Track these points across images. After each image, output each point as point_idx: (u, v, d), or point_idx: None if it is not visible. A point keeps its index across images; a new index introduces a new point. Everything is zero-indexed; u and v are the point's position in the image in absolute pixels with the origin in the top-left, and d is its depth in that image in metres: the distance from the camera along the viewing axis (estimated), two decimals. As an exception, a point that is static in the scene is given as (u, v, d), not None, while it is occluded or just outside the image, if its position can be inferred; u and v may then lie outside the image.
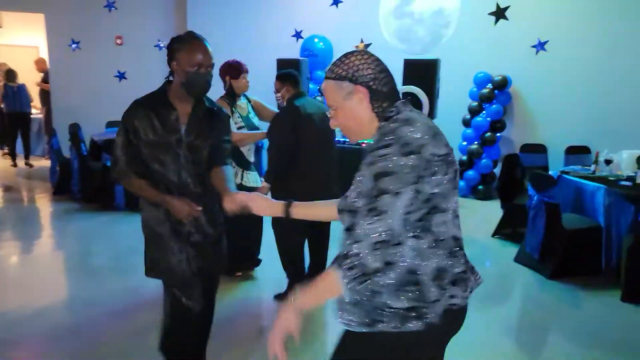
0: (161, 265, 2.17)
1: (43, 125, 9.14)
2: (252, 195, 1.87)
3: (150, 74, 7.12)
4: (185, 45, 2.04)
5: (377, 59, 1.47)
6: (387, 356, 1.43)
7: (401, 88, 5.44)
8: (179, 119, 2.11)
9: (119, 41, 8.37)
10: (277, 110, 3.81)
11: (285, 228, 3.52)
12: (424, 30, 7.11)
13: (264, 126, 3.76)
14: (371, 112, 1.46)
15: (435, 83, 5.53)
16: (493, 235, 5.23)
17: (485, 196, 6.76)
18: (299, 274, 3.61)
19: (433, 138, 1.35)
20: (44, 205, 6.47)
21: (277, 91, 3.59)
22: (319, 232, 3.65)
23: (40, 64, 8.87)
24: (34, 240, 5.16)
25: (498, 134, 6.80)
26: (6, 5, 8.43)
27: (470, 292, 1.51)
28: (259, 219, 3.94)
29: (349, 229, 1.32)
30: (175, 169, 2.10)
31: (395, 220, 1.29)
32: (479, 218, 5.93)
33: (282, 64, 6.26)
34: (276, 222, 3.59)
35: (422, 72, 5.51)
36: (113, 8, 8.27)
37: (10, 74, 8.27)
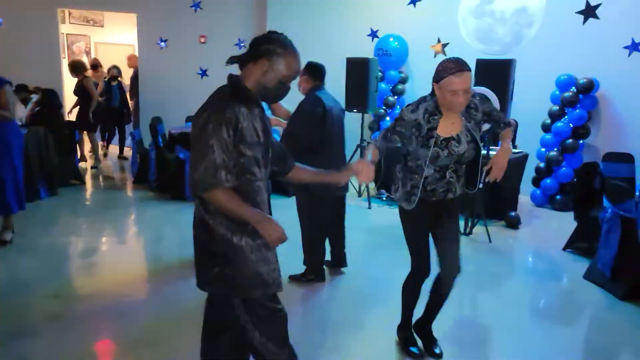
0: (255, 279, 1.96)
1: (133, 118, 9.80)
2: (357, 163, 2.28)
3: (230, 71, 7.39)
4: (287, 52, 1.94)
5: None
6: None
7: (474, 89, 5.21)
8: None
9: (202, 40, 8.76)
10: (291, 110, 3.88)
11: (312, 218, 3.76)
12: (505, 30, 6.79)
13: None
14: None
15: (509, 85, 5.24)
16: (564, 249, 4.87)
17: (563, 207, 6.31)
18: (317, 261, 3.88)
19: None
20: (123, 193, 6.93)
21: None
22: (338, 223, 3.97)
23: (132, 60, 9.50)
24: (111, 225, 5.53)
25: (581, 141, 6.33)
26: (104, 5, 9.13)
27: None
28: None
29: None
30: (264, 176, 2.01)
31: None
32: (553, 230, 5.56)
33: (352, 62, 6.26)
34: (304, 211, 3.79)
35: (496, 73, 5.24)
36: (198, 8, 8.68)
37: (116, 72, 8.75)
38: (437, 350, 2.93)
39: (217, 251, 1.93)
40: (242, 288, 1.95)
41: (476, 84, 5.33)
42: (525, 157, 6.08)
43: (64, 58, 10.35)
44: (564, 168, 6.30)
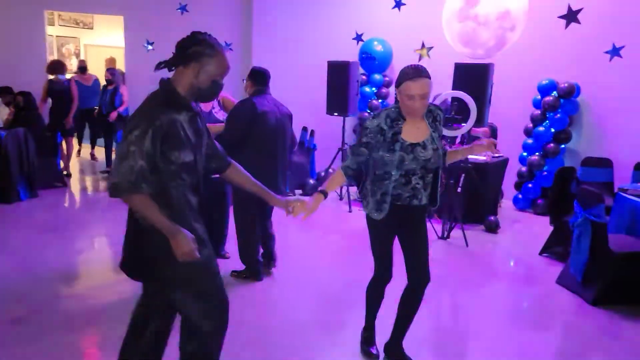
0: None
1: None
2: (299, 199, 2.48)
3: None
4: (216, 52, 1.97)
5: None
6: None
7: (448, 93, 5.22)
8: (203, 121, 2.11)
9: (189, 42, 8.76)
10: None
11: (245, 211, 3.85)
12: (489, 33, 6.81)
13: None
14: None
15: (487, 89, 5.24)
16: (541, 253, 4.87)
17: (544, 211, 6.28)
18: (254, 255, 3.97)
19: None
20: (104, 195, 6.89)
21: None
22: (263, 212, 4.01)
23: (109, 62, 9.40)
24: (85, 226, 5.50)
25: (562, 145, 6.33)
26: (91, 8, 9.12)
27: None
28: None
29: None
30: (196, 180, 2.05)
31: None
32: (532, 234, 5.55)
33: (332, 66, 6.26)
34: (239, 208, 3.89)
35: (474, 77, 5.24)
36: (185, 11, 8.68)
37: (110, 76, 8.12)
38: None
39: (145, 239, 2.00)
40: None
41: (454, 88, 5.34)
42: (505, 162, 6.09)
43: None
44: (546, 172, 6.30)
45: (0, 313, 3.36)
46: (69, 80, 7.48)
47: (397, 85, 2.53)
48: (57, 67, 7.39)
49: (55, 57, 11.01)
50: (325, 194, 2.64)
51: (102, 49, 11.67)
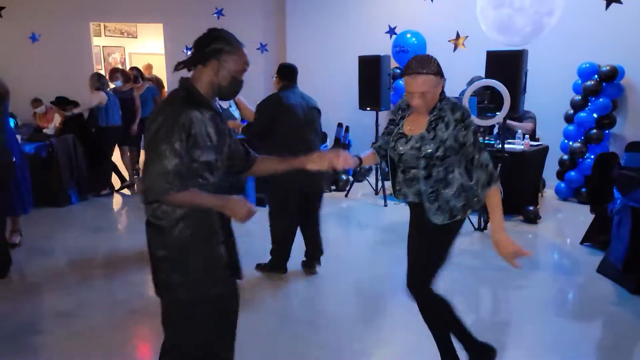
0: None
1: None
2: (333, 150, 2.28)
3: (254, 74, 7.53)
4: (234, 48, 1.95)
5: None
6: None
7: (481, 82, 5.13)
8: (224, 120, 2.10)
9: (225, 46, 8.98)
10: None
11: (280, 209, 3.95)
12: (525, 19, 6.63)
13: None
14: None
15: (521, 77, 5.11)
16: (582, 243, 4.72)
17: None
18: (283, 252, 4.05)
19: None
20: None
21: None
22: (310, 217, 4.04)
23: (146, 69, 9.71)
24: (129, 230, 5.75)
25: (606, 131, 6.09)
26: (133, 17, 9.50)
27: None
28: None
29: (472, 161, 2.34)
30: (219, 179, 2.03)
31: None
32: (575, 224, 5.37)
33: (363, 61, 6.28)
34: (272, 203, 3.99)
35: (507, 65, 5.13)
36: (221, 15, 8.90)
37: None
38: None
39: (164, 256, 1.98)
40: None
41: (487, 77, 5.25)
42: (545, 150, 5.92)
43: (101, 69, 10.86)
44: (589, 159, 6.08)
45: (51, 306, 3.61)
46: (132, 89, 7.36)
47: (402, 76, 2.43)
48: (126, 75, 7.31)
49: (102, 67, 11.57)
50: (360, 160, 2.49)
51: (145, 57, 12.12)
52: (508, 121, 5.47)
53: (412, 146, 2.36)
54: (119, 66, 11.90)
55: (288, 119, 3.80)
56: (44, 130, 6.77)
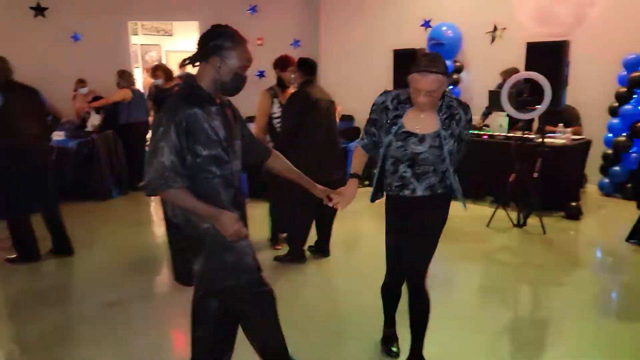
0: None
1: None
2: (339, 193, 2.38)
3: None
4: (236, 44, 1.97)
5: None
6: None
7: (521, 74, 5.00)
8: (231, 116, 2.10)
9: (259, 42, 9.01)
10: None
11: (297, 204, 3.98)
12: (566, 10, 6.45)
13: None
14: None
15: (562, 68, 4.95)
16: (627, 240, 4.55)
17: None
18: (302, 242, 4.16)
19: None
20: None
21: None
22: (327, 213, 4.04)
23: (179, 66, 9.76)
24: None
25: (653, 124, 5.86)
26: (169, 15, 9.65)
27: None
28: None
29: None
30: (227, 172, 2.04)
31: None
32: (619, 220, 5.19)
33: (398, 54, 6.20)
34: (289, 199, 4.00)
35: (547, 57, 4.97)
36: (255, 11, 8.96)
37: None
38: None
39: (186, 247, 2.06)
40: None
41: (527, 69, 5.11)
42: (587, 144, 5.73)
43: (137, 67, 11.09)
44: (634, 154, 5.86)
45: (96, 296, 3.71)
46: (174, 86, 7.23)
47: (408, 71, 2.30)
48: (169, 72, 7.34)
49: (140, 65, 11.81)
50: (357, 176, 2.50)
51: (181, 54, 12.29)
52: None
53: (432, 145, 2.35)
54: (157, 63, 12.17)
55: (315, 115, 3.89)
56: (87, 126, 6.96)
